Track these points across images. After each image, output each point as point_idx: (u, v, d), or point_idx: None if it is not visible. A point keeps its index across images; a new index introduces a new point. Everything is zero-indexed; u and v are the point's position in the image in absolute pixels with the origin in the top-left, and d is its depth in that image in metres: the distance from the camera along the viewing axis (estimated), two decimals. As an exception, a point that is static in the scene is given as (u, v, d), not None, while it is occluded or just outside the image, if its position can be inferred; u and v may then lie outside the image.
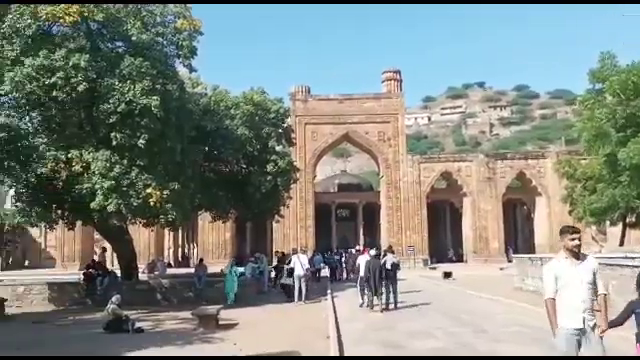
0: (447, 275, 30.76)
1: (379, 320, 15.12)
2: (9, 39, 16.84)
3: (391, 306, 16.99)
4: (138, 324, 14.78)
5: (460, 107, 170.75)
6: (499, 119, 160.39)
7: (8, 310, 19.04)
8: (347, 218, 59.18)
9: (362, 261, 18.12)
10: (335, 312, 15.93)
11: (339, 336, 11.71)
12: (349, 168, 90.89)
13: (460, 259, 50.65)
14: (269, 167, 23.38)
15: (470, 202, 49.09)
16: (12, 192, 20.30)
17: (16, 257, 59.69)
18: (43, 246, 61.66)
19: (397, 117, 49.23)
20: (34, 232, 59.62)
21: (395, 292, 17.24)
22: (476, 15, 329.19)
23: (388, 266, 16.99)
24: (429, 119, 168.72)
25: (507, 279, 25.00)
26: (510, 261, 36.51)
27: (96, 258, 31.10)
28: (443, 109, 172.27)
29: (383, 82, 50.84)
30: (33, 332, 14.99)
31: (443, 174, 50.17)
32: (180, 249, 58.36)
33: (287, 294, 20.70)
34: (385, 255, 18.33)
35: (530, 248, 48.44)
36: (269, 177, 23.24)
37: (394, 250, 19.97)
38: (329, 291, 22.15)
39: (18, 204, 18.95)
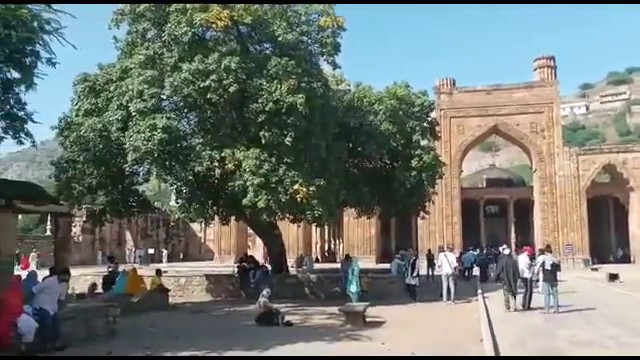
0: (613, 277, 27.95)
1: (538, 325, 13.99)
2: (168, 46, 18.07)
3: (551, 310, 15.70)
4: (287, 318, 15.07)
5: (623, 94, 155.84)
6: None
7: (172, 300, 20.53)
8: (496, 214, 56.41)
9: (521, 261, 17.02)
10: (487, 313, 15.01)
11: (494, 340, 10.91)
12: (498, 162, 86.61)
13: (626, 260, 45.98)
14: (414, 162, 22.80)
15: (638, 197, 44.36)
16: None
17: (180, 250, 64.91)
18: (203, 240, 66.43)
19: (551, 107, 45.86)
20: (195, 227, 64.43)
21: (555, 295, 15.90)
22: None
23: (547, 266, 15.73)
24: (587, 108, 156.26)
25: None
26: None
27: (249, 253, 32.60)
28: (603, 97, 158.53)
29: (535, 70, 47.66)
30: (192, 321, 15.94)
31: (605, 167, 45.82)
32: (326, 244, 59.56)
33: (412, 294, 20.01)
34: (542, 254, 17.04)
35: None
36: (414, 172, 22.66)
37: (552, 249, 18.38)
38: (480, 291, 21.08)
39: (179, 201, 20.32)
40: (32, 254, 36.19)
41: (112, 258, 26.22)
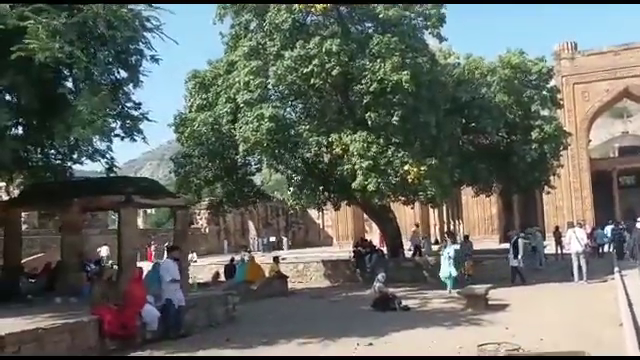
0: None
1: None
2: (270, 35, 18.16)
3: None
4: (404, 302, 14.68)
5: None
6: None
7: (291, 285, 20.84)
8: (632, 186, 51.68)
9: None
10: (627, 294, 13.58)
11: (636, 324, 9.72)
12: (631, 129, 79.49)
13: None
14: (534, 134, 21.22)
15: None
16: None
17: (300, 237, 66.42)
18: (322, 226, 67.43)
19: (693, 62, 41.07)
20: (313, 214, 65.59)
21: None
22: None
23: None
24: None
25: None
26: None
27: (365, 237, 32.40)
28: None
29: (671, 23, 42.89)
30: (309, 307, 16.01)
31: None
32: (445, 226, 58.02)
33: (513, 277, 18.74)
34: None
35: None
36: (534, 145, 21.10)
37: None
38: (616, 269, 19.29)
39: (290, 188, 20.53)
40: (152, 247, 38.89)
41: (246, 247, 27.43)
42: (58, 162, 14.33)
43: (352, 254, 23.62)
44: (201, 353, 9.63)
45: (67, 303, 11.69)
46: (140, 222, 71.61)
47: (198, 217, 53.43)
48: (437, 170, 17.58)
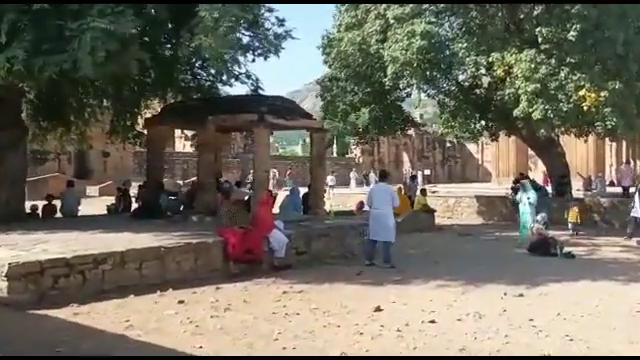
0: None
1: None
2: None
3: None
4: (568, 248, 12.71)
5: None
6: None
7: (438, 221, 19.43)
8: None
9: None
10: None
11: None
12: None
13: None
14: None
15: None
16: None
17: (456, 171, 63.75)
18: (480, 161, 63.95)
19: None
20: (472, 148, 62.39)
21: None
22: None
23: None
24: None
25: None
26: None
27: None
28: None
29: None
30: (456, 245, 14.68)
31: None
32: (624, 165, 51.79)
33: (631, 231, 14.80)
34: None
35: None
36: None
37: None
38: None
39: (442, 115, 18.72)
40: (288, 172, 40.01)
41: (414, 177, 26.35)
42: (208, 84, 14.18)
43: (510, 190, 21.40)
44: (326, 286, 8.81)
45: (202, 222, 11.58)
46: (299, 149, 74.00)
47: (353, 147, 53.25)
48: (621, 96, 14.82)
